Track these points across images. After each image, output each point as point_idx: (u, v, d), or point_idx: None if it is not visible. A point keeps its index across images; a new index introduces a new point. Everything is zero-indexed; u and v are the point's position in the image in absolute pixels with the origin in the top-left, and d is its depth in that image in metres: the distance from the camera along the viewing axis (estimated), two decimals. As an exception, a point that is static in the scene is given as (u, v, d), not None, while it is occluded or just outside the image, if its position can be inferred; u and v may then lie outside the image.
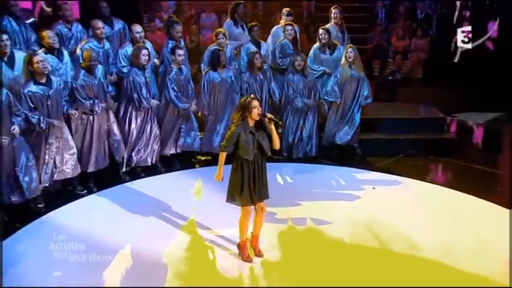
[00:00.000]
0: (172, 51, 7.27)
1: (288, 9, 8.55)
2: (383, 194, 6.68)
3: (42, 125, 6.12)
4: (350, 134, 7.86)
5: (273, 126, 4.97)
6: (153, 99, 7.17)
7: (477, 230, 5.75)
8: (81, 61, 6.75)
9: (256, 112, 4.91)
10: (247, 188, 4.99)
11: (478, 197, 6.48)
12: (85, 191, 6.72)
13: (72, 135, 6.59)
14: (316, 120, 7.81)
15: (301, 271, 5.07)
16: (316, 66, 8.01)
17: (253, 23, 8.22)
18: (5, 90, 5.86)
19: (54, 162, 6.41)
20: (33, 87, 6.13)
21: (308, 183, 6.99)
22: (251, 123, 4.97)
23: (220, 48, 7.55)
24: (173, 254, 5.36)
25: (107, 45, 7.35)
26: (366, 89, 7.83)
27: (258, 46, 7.99)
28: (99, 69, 6.71)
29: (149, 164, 7.29)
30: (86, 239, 5.42)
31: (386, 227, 5.81)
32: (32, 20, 8.06)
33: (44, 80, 6.19)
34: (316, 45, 8.13)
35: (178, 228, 5.87)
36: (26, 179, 6.04)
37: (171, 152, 7.50)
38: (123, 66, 7.27)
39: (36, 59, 6.09)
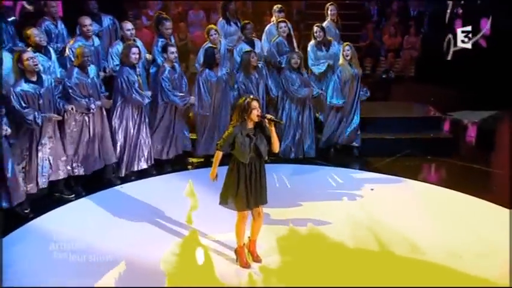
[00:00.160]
0: (164, 49, 7.11)
1: (279, 5, 8.43)
2: (382, 195, 6.61)
3: (38, 121, 5.96)
4: (354, 134, 7.78)
5: (273, 128, 4.84)
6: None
7: (477, 231, 5.71)
8: (73, 60, 6.60)
9: (255, 113, 4.78)
10: (244, 192, 4.86)
11: (477, 196, 6.44)
12: (73, 196, 6.53)
13: (65, 135, 6.47)
14: (313, 119, 7.72)
15: (301, 276, 4.96)
16: (317, 69, 7.96)
17: (246, 21, 8.08)
18: None
19: (50, 163, 6.28)
20: (24, 86, 5.97)
21: (305, 184, 6.90)
22: (250, 124, 4.83)
23: (214, 46, 7.40)
24: (168, 260, 5.21)
25: (97, 41, 7.17)
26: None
27: (252, 45, 7.84)
28: (92, 69, 6.56)
29: (146, 167, 7.14)
30: (74, 246, 5.26)
31: (388, 229, 5.73)
32: (12, 18, 7.82)
33: (34, 78, 6.04)
34: (312, 42, 8.02)
35: (172, 234, 5.72)
36: (13, 183, 5.86)
37: (170, 157, 7.37)
38: (117, 65, 7.08)
39: (26, 56, 5.93)
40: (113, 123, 6.88)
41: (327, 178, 7.14)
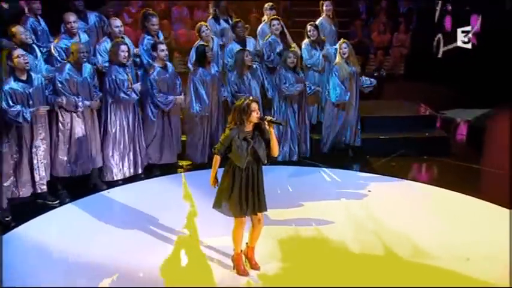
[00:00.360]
0: (154, 47, 6.90)
1: (270, 3, 8.29)
2: (381, 196, 6.53)
3: (27, 116, 5.77)
4: (356, 133, 7.70)
5: (273, 130, 4.69)
6: None
7: (478, 231, 5.66)
8: (59, 59, 6.46)
9: (255, 115, 4.62)
10: (238, 197, 4.69)
11: (475, 196, 6.40)
12: (57, 202, 6.31)
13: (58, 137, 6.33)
14: (308, 119, 7.62)
15: (302, 285, 4.81)
16: (310, 61, 7.86)
17: (237, 19, 7.89)
18: None
19: (44, 166, 6.14)
20: (13, 84, 5.81)
21: (303, 186, 6.79)
22: (248, 127, 4.67)
23: (206, 44, 7.22)
24: (162, 269, 5.00)
25: (84, 38, 6.94)
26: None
27: (243, 44, 7.65)
28: (87, 68, 6.39)
29: (139, 172, 6.96)
30: (60, 255, 5.13)
31: (390, 231, 5.66)
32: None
33: (24, 77, 5.87)
34: (306, 41, 7.89)
35: (163, 240, 5.53)
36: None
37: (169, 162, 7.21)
38: (106, 61, 6.87)
39: (16, 53, 5.78)
40: (103, 125, 6.67)
41: (324, 180, 7.05)
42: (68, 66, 6.28)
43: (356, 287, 4.73)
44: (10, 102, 5.74)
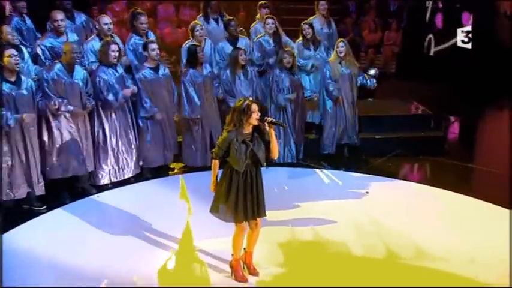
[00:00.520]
0: (145, 47, 6.74)
1: (263, 1, 8.16)
2: (379, 197, 6.47)
3: (10, 122, 5.62)
4: (355, 134, 7.65)
5: (273, 132, 4.58)
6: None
7: (478, 232, 5.63)
8: (43, 59, 6.32)
9: (255, 117, 4.50)
10: (234, 203, 4.57)
11: (472, 196, 6.37)
12: (44, 207, 6.13)
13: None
14: (303, 121, 7.52)
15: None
16: (302, 61, 7.71)
17: (230, 17, 7.76)
18: None
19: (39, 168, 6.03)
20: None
21: (299, 187, 6.72)
22: (247, 129, 4.55)
23: (197, 44, 7.08)
24: (155, 275, 4.87)
25: (72, 37, 6.77)
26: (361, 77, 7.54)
27: (235, 42, 7.50)
28: (79, 71, 6.24)
29: (132, 175, 6.81)
30: (48, 264, 4.98)
31: (391, 233, 5.59)
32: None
33: (13, 79, 5.71)
34: (300, 40, 7.79)
35: (156, 246, 5.39)
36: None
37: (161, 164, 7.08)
38: (93, 62, 6.70)
39: (8, 52, 5.64)
40: (95, 128, 6.54)
41: (321, 180, 6.99)
42: (58, 65, 6.13)
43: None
44: None
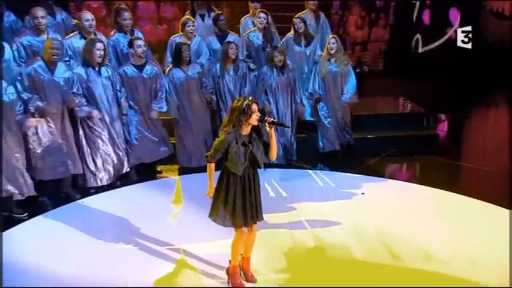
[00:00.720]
0: (130, 44, 6.58)
1: None
2: (375, 198, 6.40)
3: None
4: (349, 133, 7.57)
5: (273, 133, 4.45)
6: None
7: (478, 232, 5.59)
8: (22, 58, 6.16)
9: (255, 117, 4.36)
10: (232, 207, 4.44)
11: (472, 197, 6.33)
12: (25, 214, 5.92)
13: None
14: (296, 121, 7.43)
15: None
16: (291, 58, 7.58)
17: (219, 12, 7.64)
18: None
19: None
20: None
21: (294, 189, 6.60)
22: (246, 130, 4.41)
23: (183, 42, 6.93)
24: (146, 284, 4.71)
25: (55, 37, 6.49)
26: (348, 85, 7.39)
27: (224, 38, 7.38)
28: (61, 68, 6.05)
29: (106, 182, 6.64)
30: (32, 274, 4.77)
31: (391, 235, 5.51)
32: None
33: None
34: (291, 34, 7.66)
35: (146, 252, 5.22)
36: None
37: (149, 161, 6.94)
38: (67, 60, 6.50)
39: None
40: (80, 129, 6.38)
41: (315, 182, 6.89)
42: (39, 62, 5.97)
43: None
44: None
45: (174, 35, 7.37)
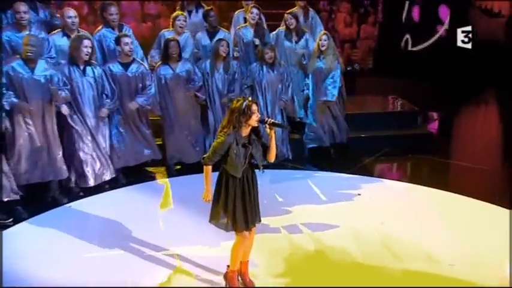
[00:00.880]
0: (117, 41, 6.46)
1: None
2: (372, 199, 6.37)
3: None
4: (343, 132, 7.53)
5: (273, 134, 4.38)
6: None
7: (479, 233, 5.59)
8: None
9: (255, 118, 4.28)
10: (232, 210, 4.37)
11: (471, 197, 6.32)
12: (10, 220, 5.77)
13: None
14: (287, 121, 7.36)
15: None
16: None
17: (209, 7, 7.55)
18: None
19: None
20: None
21: (290, 191, 6.55)
22: (245, 131, 4.33)
23: (172, 38, 6.83)
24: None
25: (37, 34, 6.34)
26: (331, 83, 7.28)
27: (214, 34, 7.29)
28: (41, 65, 5.89)
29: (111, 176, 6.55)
30: (21, 281, 4.65)
31: (391, 236, 5.49)
32: None
33: None
34: (282, 29, 7.61)
35: (139, 257, 5.11)
36: None
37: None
38: (51, 58, 6.33)
39: None
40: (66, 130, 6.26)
41: (310, 182, 6.82)
42: (18, 60, 5.83)
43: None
44: None
45: (164, 29, 7.29)
